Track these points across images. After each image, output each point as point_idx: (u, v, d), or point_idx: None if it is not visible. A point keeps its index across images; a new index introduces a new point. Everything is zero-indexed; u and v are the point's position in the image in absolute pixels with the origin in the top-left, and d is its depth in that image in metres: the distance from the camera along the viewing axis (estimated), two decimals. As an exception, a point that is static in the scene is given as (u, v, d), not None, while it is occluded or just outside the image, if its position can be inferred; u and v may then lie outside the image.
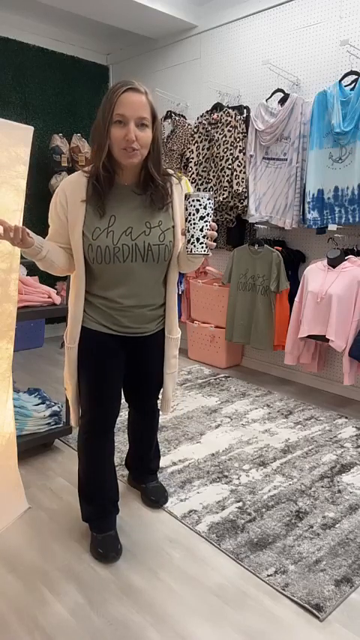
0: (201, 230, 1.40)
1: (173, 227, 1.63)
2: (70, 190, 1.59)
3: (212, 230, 1.43)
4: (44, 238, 1.59)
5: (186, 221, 1.42)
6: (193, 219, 1.40)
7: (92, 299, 1.67)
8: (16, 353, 2.15)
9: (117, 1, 3.62)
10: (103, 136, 1.50)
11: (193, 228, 1.40)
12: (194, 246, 1.42)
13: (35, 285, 2.38)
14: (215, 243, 1.47)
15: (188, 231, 1.42)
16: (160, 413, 1.98)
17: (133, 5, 3.66)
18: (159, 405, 1.98)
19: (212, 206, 1.41)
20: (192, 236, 1.41)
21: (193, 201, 1.39)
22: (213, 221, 1.47)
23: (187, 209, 1.41)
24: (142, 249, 1.58)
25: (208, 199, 1.39)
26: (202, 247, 1.42)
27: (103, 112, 1.49)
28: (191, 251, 1.43)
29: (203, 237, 1.41)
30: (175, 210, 1.64)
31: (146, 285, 1.65)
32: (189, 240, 1.42)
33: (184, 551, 1.81)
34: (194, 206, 1.39)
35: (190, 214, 1.40)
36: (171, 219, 1.64)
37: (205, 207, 1.39)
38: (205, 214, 1.39)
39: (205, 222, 1.40)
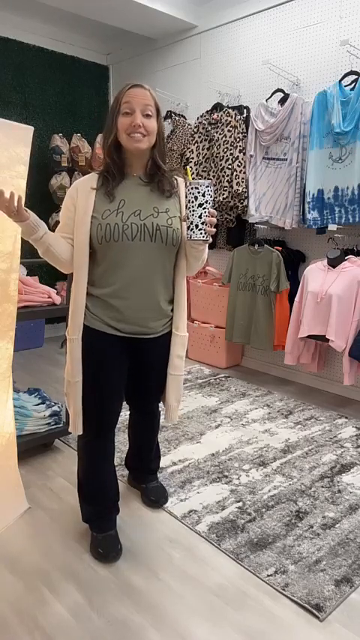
0: (200, 217, 1.46)
1: (180, 218, 1.67)
2: (81, 183, 1.66)
3: (211, 217, 1.48)
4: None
5: (186, 208, 1.48)
6: (192, 207, 1.46)
7: (95, 291, 1.65)
8: (16, 353, 2.15)
9: (117, 1, 3.63)
10: (111, 128, 1.59)
11: (192, 215, 1.46)
12: (193, 232, 1.48)
13: (35, 285, 2.38)
14: (215, 230, 1.52)
15: (188, 218, 1.48)
16: (165, 420, 1.92)
17: (133, 5, 3.66)
18: (161, 407, 1.97)
19: (211, 194, 1.46)
20: (191, 222, 1.47)
21: (192, 188, 1.44)
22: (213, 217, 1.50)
23: (186, 196, 1.47)
24: (151, 229, 1.60)
25: (207, 187, 1.44)
26: (201, 233, 1.48)
27: (111, 110, 1.59)
28: (190, 237, 1.49)
29: (202, 223, 1.47)
30: (182, 203, 1.68)
31: (152, 268, 1.64)
32: (188, 227, 1.48)
33: (184, 551, 1.81)
34: (193, 193, 1.45)
35: (189, 201, 1.46)
36: (178, 210, 1.68)
37: (203, 195, 1.44)
38: (203, 201, 1.45)
39: (203, 209, 1.45)
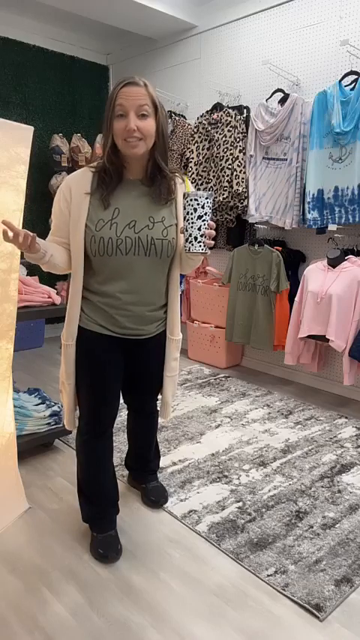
0: (199, 229, 1.40)
1: (176, 225, 1.64)
2: (74, 184, 1.60)
3: (211, 229, 1.43)
4: (47, 234, 1.61)
5: (184, 220, 1.41)
6: (191, 219, 1.39)
7: (91, 297, 1.65)
8: (16, 353, 2.15)
9: (117, 1, 3.62)
10: (107, 130, 1.53)
11: (192, 227, 1.40)
12: (192, 245, 1.42)
13: (35, 285, 2.38)
14: (213, 242, 1.48)
15: (186, 230, 1.41)
16: (160, 416, 1.95)
17: (133, 5, 3.66)
18: (158, 406, 1.97)
19: (211, 205, 1.40)
20: (190, 235, 1.41)
21: (191, 200, 1.38)
22: (213, 221, 1.47)
23: (185, 208, 1.40)
24: (145, 243, 1.58)
25: (207, 199, 1.38)
26: (200, 246, 1.42)
27: (107, 110, 1.53)
28: (189, 250, 1.43)
29: (201, 236, 1.41)
30: (179, 208, 1.65)
31: (147, 281, 1.63)
32: (187, 239, 1.42)
33: (184, 551, 1.81)
34: (192, 205, 1.38)
35: (188, 213, 1.40)
36: (174, 217, 1.64)
37: (203, 207, 1.38)
38: (203, 214, 1.39)
39: (203, 221, 1.40)
